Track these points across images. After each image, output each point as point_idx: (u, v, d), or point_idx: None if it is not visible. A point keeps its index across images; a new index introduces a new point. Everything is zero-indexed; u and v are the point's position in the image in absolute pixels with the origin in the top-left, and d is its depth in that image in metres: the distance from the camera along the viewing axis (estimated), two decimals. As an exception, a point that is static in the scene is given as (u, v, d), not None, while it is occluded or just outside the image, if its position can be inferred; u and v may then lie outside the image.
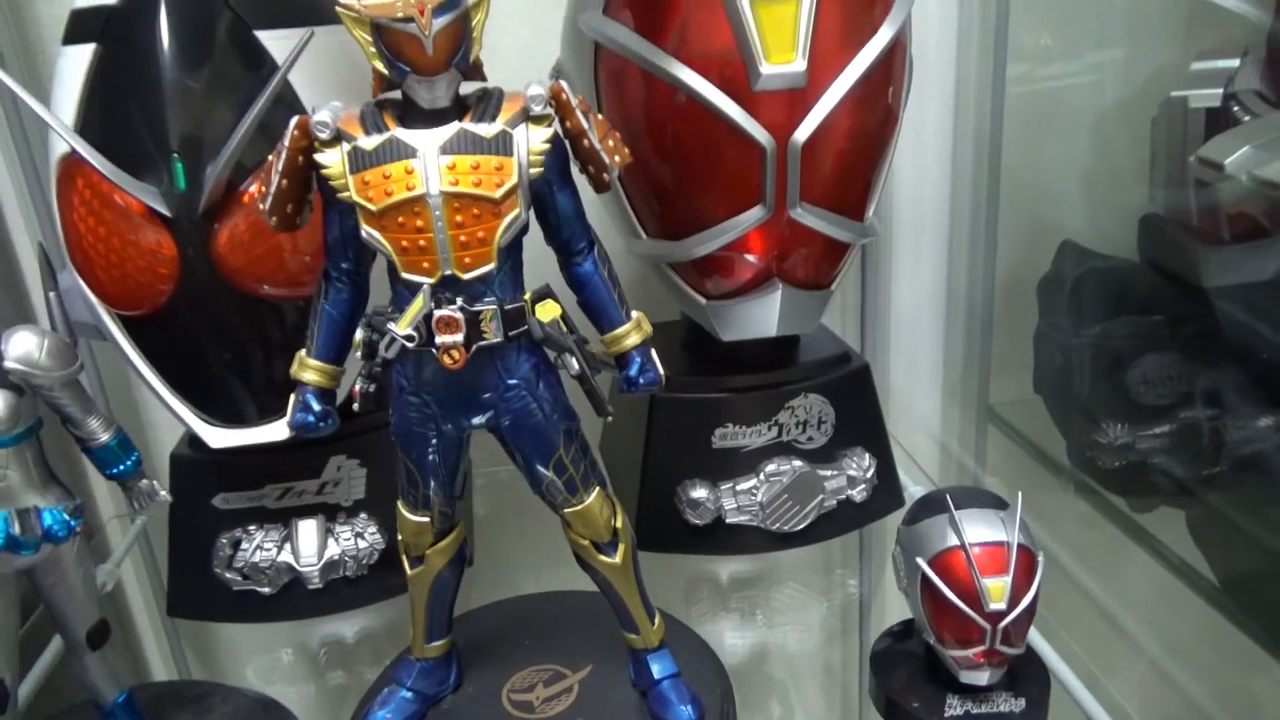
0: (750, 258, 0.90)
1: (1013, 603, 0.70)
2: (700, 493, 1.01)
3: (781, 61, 0.79)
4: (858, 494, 1.05)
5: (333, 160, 0.60)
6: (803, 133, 0.82)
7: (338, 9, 0.57)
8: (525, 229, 0.62)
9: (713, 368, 1.04)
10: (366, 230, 0.60)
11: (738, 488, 1.01)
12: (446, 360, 0.61)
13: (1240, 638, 0.90)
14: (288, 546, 0.97)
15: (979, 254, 1.31)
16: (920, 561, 0.73)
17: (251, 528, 0.97)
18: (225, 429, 0.90)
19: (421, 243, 0.59)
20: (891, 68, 0.87)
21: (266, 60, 0.82)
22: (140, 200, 0.79)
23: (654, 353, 0.69)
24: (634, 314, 0.68)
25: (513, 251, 0.63)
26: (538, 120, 0.61)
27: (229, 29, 0.82)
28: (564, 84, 0.61)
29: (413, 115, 0.60)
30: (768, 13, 0.78)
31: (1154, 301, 1.07)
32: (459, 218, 0.59)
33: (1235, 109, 0.97)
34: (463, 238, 0.59)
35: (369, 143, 0.59)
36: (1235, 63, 1.00)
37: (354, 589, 0.98)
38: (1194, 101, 1.02)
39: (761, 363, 1.03)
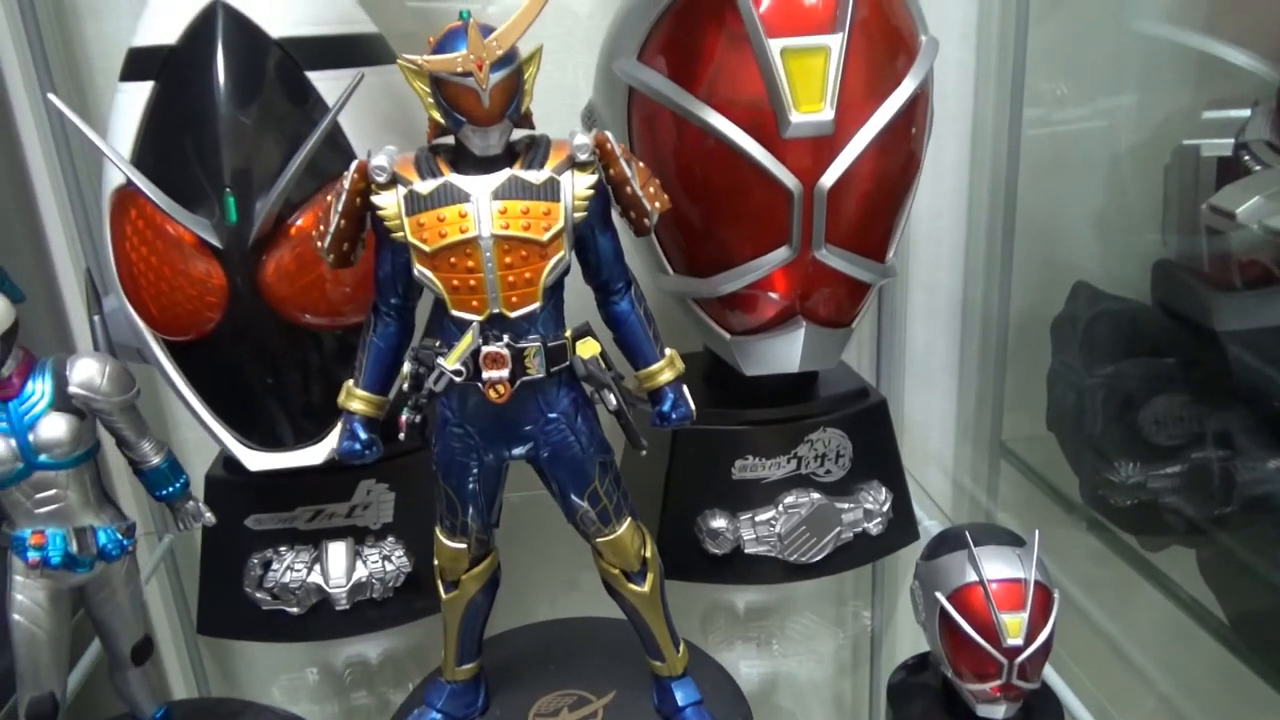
0: (775, 296, 0.93)
1: (1029, 638, 0.72)
2: (720, 523, 1.03)
3: (810, 111, 0.82)
4: (874, 527, 1.07)
5: (389, 202, 0.63)
6: (829, 178, 0.85)
7: (399, 63, 0.61)
8: (568, 269, 0.66)
9: (733, 401, 1.07)
10: (419, 269, 0.63)
11: (756, 519, 1.04)
12: (492, 394, 0.63)
13: (1249, 675, 0.92)
14: (317, 568, 0.99)
15: (994, 293, 1.34)
16: (939, 596, 0.75)
17: (283, 549, 1.00)
18: (264, 453, 0.93)
19: (472, 282, 0.62)
20: (914, 116, 0.90)
21: (311, 97, 0.86)
22: (193, 231, 0.83)
23: (686, 389, 0.72)
24: (667, 351, 0.71)
25: (555, 291, 0.66)
26: (583, 167, 0.64)
27: (279, 67, 0.86)
28: (609, 134, 0.64)
29: (465, 161, 0.63)
30: (798, 64, 0.82)
31: (1166, 344, 1.09)
32: (508, 259, 0.62)
33: (1246, 158, 1.00)
34: (510, 278, 0.62)
35: (424, 187, 0.62)
36: (1246, 112, 1.03)
37: (380, 611, 1.01)
38: (1206, 150, 1.05)
39: (781, 397, 1.06)
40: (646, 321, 0.70)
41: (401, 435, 0.66)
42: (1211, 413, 1.05)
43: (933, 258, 1.36)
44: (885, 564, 1.12)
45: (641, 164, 0.67)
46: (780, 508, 1.04)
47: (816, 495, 1.04)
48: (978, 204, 1.33)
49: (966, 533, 0.77)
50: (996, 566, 0.74)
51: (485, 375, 0.63)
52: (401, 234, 0.63)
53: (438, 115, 0.62)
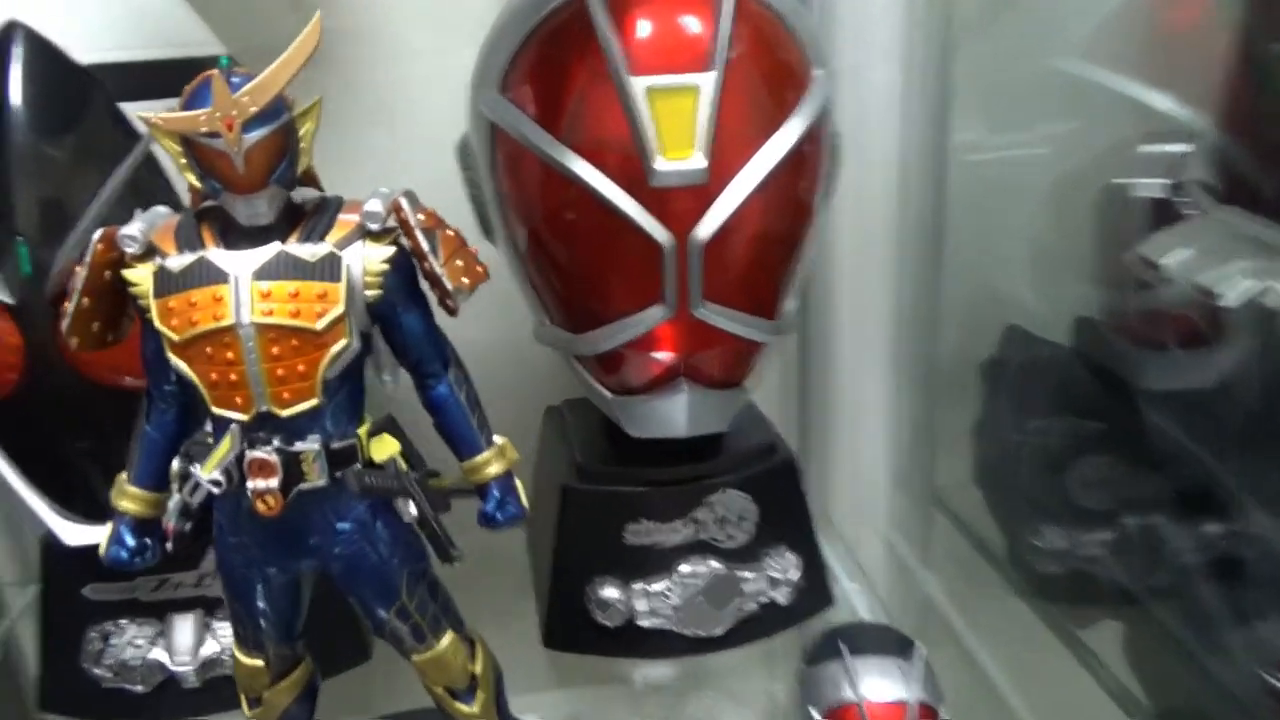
0: (655, 355, 0.84)
1: (908, 768, 0.64)
2: (611, 592, 0.95)
3: (678, 157, 0.74)
4: (781, 596, 0.98)
5: (142, 278, 0.54)
6: (704, 230, 0.76)
7: (138, 118, 0.52)
8: (360, 356, 0.56)
9: (630, 456, 0.98)
10: (173, 359, 0.54)
11: (650, 588, 0.95)
12: (261, 506, 0.54)
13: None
14: (161, 642, 0.91)
15: (924, 331, 1.25)
16: (814, 713, 0.67)
17: (124, 621, 0.91)
18: (85, 525, 0.84)
19: (233, 376, 0.53)
20: (805, 160, 0.81)
21: (124, 132, 0.77)
22: (-21, 286, 0.74)
23: (518, 483, 0.63)
24: (497, 440, 0.62)
25: (347, 380, 0.57)
26: (378, 237, 0.55)
27: (86, 97, 0.77)
28: (404, 201, 0.55)
29: (234, 231, 0.54)
30: (665, 104, 0.73)
31: (1094, 400, 1.01)
32: (275, 350, 0.53)
33: (1180, 201, 0.92)
34: (280, 371, 0.53)
35: (177, 263, 0.53)
36: (1185, 147, 0.95)
37: (234, 689, 0.92)
38: (1137, 189, 0.97)
39: (681, 453, 0.97)
40: (470, 407, 0.61)
41: (168, 545, 0.57)
42: (1139, 476, 0.96)
43: (861, 292, 1.28)
44: (799, 632, 1.03)
45: (451, 231, 0.58)
46: (675, 577, 0.95)
47: (715, 564, 0.95)
48: (906, 235, 1.25)
49: (844, 642, 0.68)
50: (877, 684, 0.67)
51: (250, 485, 0.54)
52: (151, 318, 0.54)
53: (193, 179, 0.53)
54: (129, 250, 0.54)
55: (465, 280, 0.58)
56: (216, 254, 0.53)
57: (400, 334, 0.58)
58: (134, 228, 0.54)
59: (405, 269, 0.57)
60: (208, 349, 0.53)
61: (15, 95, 0.75)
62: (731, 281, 0.80)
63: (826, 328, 1.26)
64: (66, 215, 0.76)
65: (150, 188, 0.77)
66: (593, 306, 0.82)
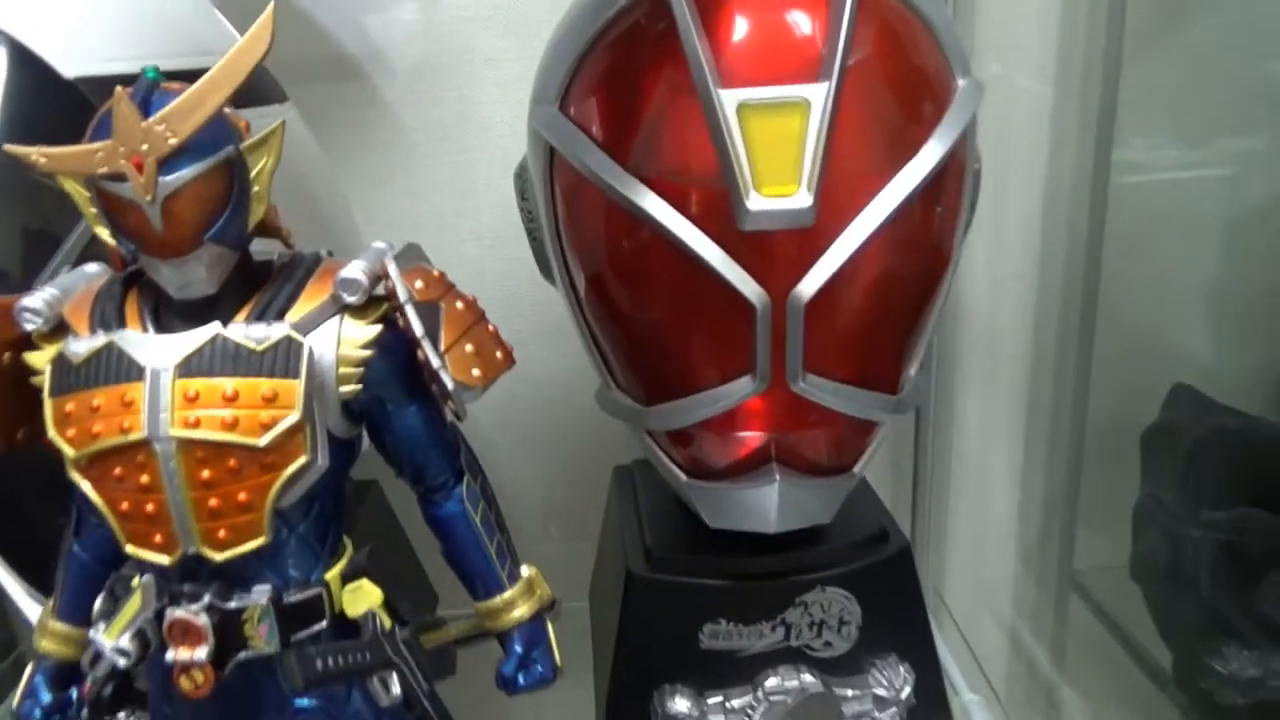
0: (740, 435, 0.67)
1: None
2: (681, 705, 0.79)
3: (778, 193, 0.57)
4: (888, 717, 0.81)
5: (44, 362, 0.41)
6: (808, 287, 0.60)
7: (28, 163, 0.38)
8: (333, 475, 0.42)
9: (708, 541, 0.82)
10: (74, 479, 0.40)
11: (729, 704, 0.80)
12: (185, 685, 0.40)
13: None
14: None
15: (1067, 386, 1.06)
16: None
17: None
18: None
19: (149, 507, 0.39)
20: (943, 193, 0.63)
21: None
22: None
23: (550, 631, 0.48)
24: (524, 571, 0.47)
25: (317, 503, 0.42)
26: (361, 312, 0.41)
27: (76, 115, 0.65)
28: (392, 265, 0.40)
29: (168, 305, 0.40)
30: (762, 124, 0.56)
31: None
32: (205, 473, 0.39)
33: None
34: (213, 502, 0.39)
35: (82, 349, 0.39)
36: None
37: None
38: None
39: (771, 540, 0.80)
40: (487, 532, 0.46)
41: (84, 713, 0.44)
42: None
43: (991, 339, 1.08)
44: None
45: (463, 302, 0.43)
46: (760, 692, 0.80)
47: (809, 677, 0.80)
48: (1050, 274, 1.05)
49: None
50: None
51: (171, 655, 0.40)
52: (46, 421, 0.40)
53: (106, 235, 0.39)
54: (29, 327, 0.41)
55: (476, 372, 0.43)
56: (132, 339, 0.39)
57: (392, 438, 0.44)
58: (39, 297, 0.41)
59: (397, 353, 0.43)
60: (116, 470, 0.39)
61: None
62: (840, 350, 0.64)
63: (946, 383, 1.08)
64: (53, 248, 0.64)
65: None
66: (666, 375, 0.67)
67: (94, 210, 0.39)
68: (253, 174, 0.40)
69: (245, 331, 0.40)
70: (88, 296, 0.42)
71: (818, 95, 0.56)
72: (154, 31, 0.73)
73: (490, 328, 0.45)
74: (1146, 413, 1.00)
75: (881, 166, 0.60)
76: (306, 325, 0.41)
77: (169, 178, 0.38)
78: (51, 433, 0.40)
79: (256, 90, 0.75)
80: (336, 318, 0.42)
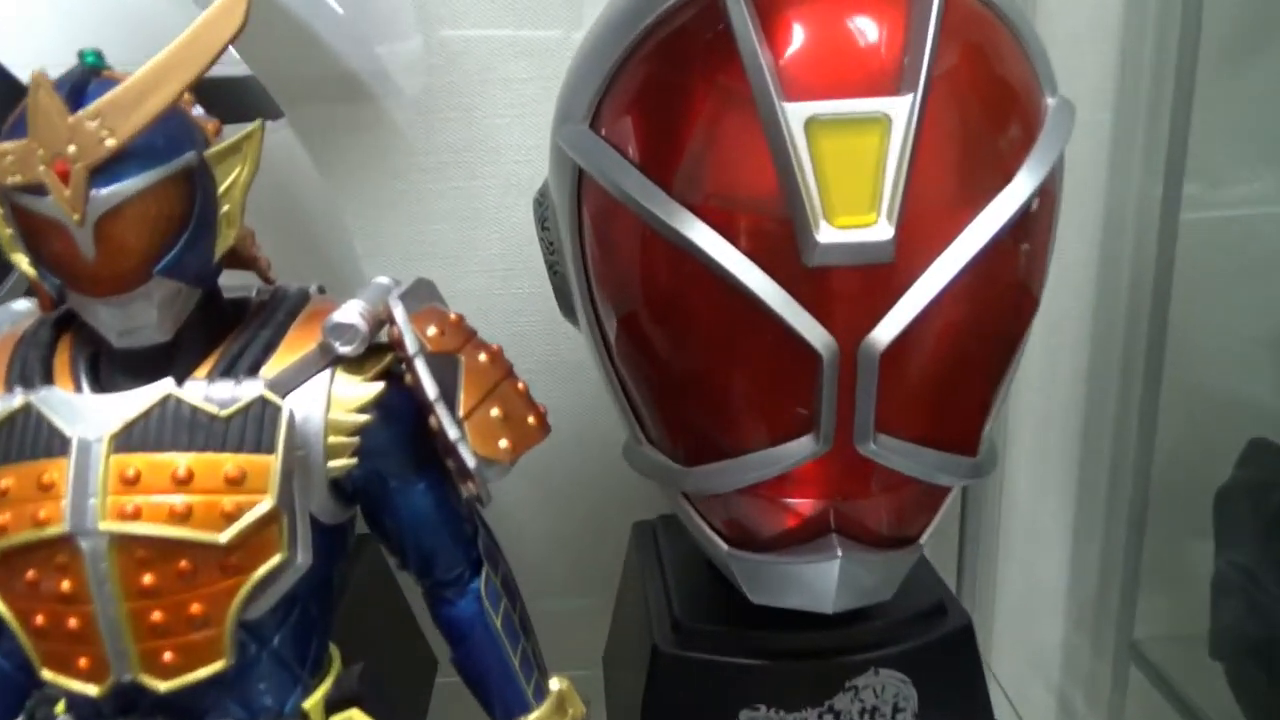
0: (795, 503, 0.59)
1: None
2: (713, 802, 0.69)
3: (853, 224, 0.48)
4: (944, 813, 0.71)
5: None
6: (883, 334, 0.51)
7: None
8: (324, 569, 0.33)
9: (745, 612, 0.73)
10: None
11: (769, 802, 0.70)
12: None
13: None
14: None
15: (1129, 438, 0.97)
16: None
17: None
18: None
19: (72, 622, 0.30)
20: (1033, 230, 0.55)
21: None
22: None
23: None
24: (554, 684, 0.38)
25: (290, 611, 0.33)
26: (357, 365, 0.32)
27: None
28: (399, 307, 0.31)
29: (112, 354, 0.32)
30: (834, 145, 0.48)
31: None
32: (147, 578, 0.30)
33: None
34: (156, 615, 0.30)
35: None
36: None
37: None
38: None
39: (816, 613, 0.71)
40: (509, 636, 0.37)
41: None
42: None
43: (1044, 385, 1.00)
44: None
45: (486, 354, 0.35)
46: (805, 790, 0.70)
47: (860, 773, 0.69)
48: (1109, 315, 0.97)
49: None
50: None
51: None
52: None
53: (24, 265, 0.30)
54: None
55: (504, 444, 0.34)
56: (58, 400, 0.31)
57: (394, 522, 0.35)
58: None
59: (402, 417, 0.34)
60: (27, 573, 0.30)
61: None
62: (917, 404, 0.55)
63: (999, 424, 0.98)
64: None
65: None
66: (711, 433, 0.58)
67: (8, 232, 0.31)
68: (221, 189, 0.32)
69: (206, 391, 0.32)
70: (8, 343, 0.33)
71: (899, 110, 0.48)
72: (137, 38, 0.65)
73: (520, 385, 0.36)
74: (1215, 469, 0.92)
75: (969, 195, 0.51)
76: (286, 383, 0.32)
77: (104, 191, 0.29)
78: None
79: (245, 103, 0.68)
80: (326, 373, 0.33)
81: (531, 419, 0.37)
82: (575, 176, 0.60)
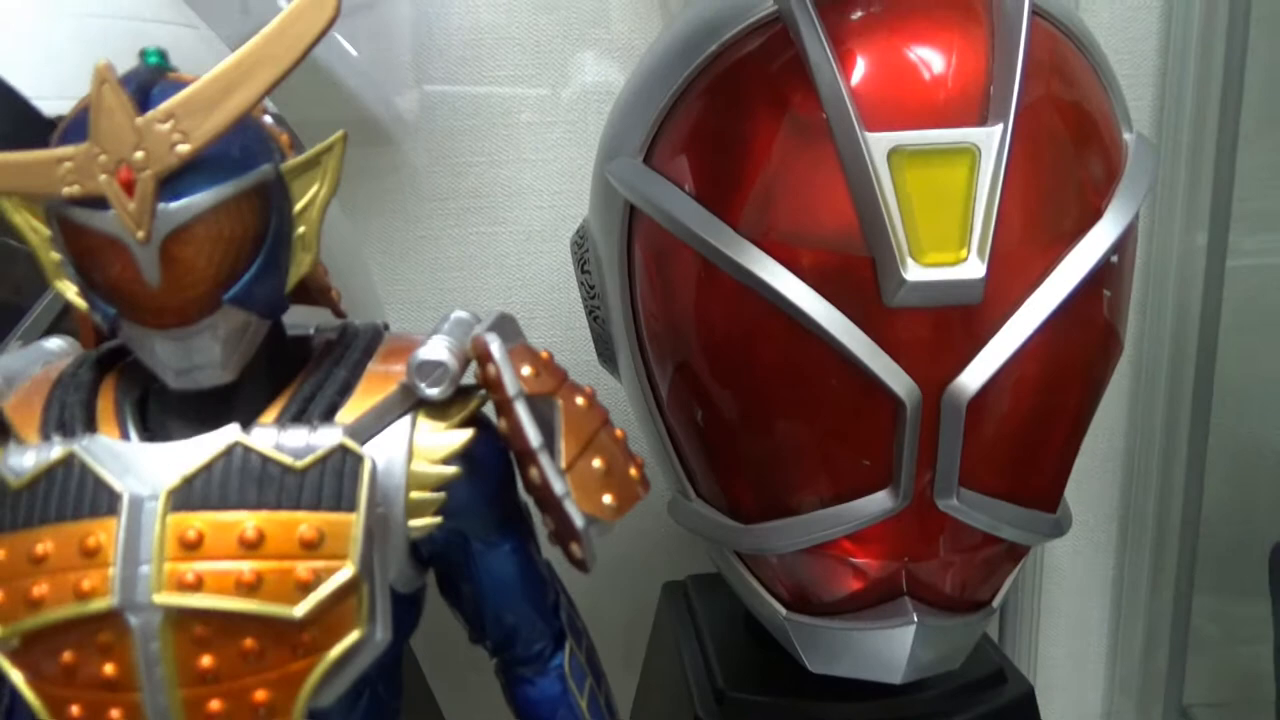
0: (863, 564, 0.54)
1: None
2: None
3: (942, 261, 0.45)
4: None
5: None
6: (971, 379, 0.47)
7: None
8: (397, 647, 0.28)
9: (792, 680, 0.68)
10: (1, 663, 0.26)
11: None
12: None
13: None
14: None
15: (1174, 494, 0.93)
16: None
17: None
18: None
19: (115, 714, 0.25)
20: (1120, 272, 0.52)
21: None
22: None
23: None
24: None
25: (358, 699, 0.28)
26: (441, 410, 0.28)
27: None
28: (493, 342, 0.28)
29: (164, 398, 0.28)
30: (920, 177, 0.45)
31: None
32: (206, 659, 0.25)
33: None
34: (215, 705, 0.26)
35: (24, 462, 0.26)
36: None
37: None
38: None
39: (869, 682, 0.66)
40: (596, 714, 0.32)
41: None
42: None
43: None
44: None
45: (583, 398, 0.31)
46: None
47: None
48: (1151, 366, 0.94)
49: None
50: None
51: None
52: None
53: (73, 295, 0.26)
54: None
55: (608, 500, 0.30)
56: (105, 449, 0.26)
57: (474, 589, 0.31)
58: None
59: (490, 470, 0.30)
60: (64, 655, 0.25)
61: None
62: (1002, 457, 0.51)
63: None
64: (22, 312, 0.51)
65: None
66: (773, 487, 0.54)
67: (55, 256, 0.27)
68: (297, 208, 0.28)
69: (278, 439, 0.27)
70: (42, 386, 0.29)
71: (988, 140, 0.45)
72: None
73: (617, 433, 0.32)
74: (1267, 523, 0.88)
75: (1056, 232, 0.48)
76: (364, 430, 0.28)
77: (173, 205, 0.25)
78: None
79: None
80: (406, 420, 0.29)
81: (633, 471, 0.33)
82: (626, 214, 0.56)
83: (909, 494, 0.50)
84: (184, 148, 0.25)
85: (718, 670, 0.72)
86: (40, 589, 0.26)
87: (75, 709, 0.26)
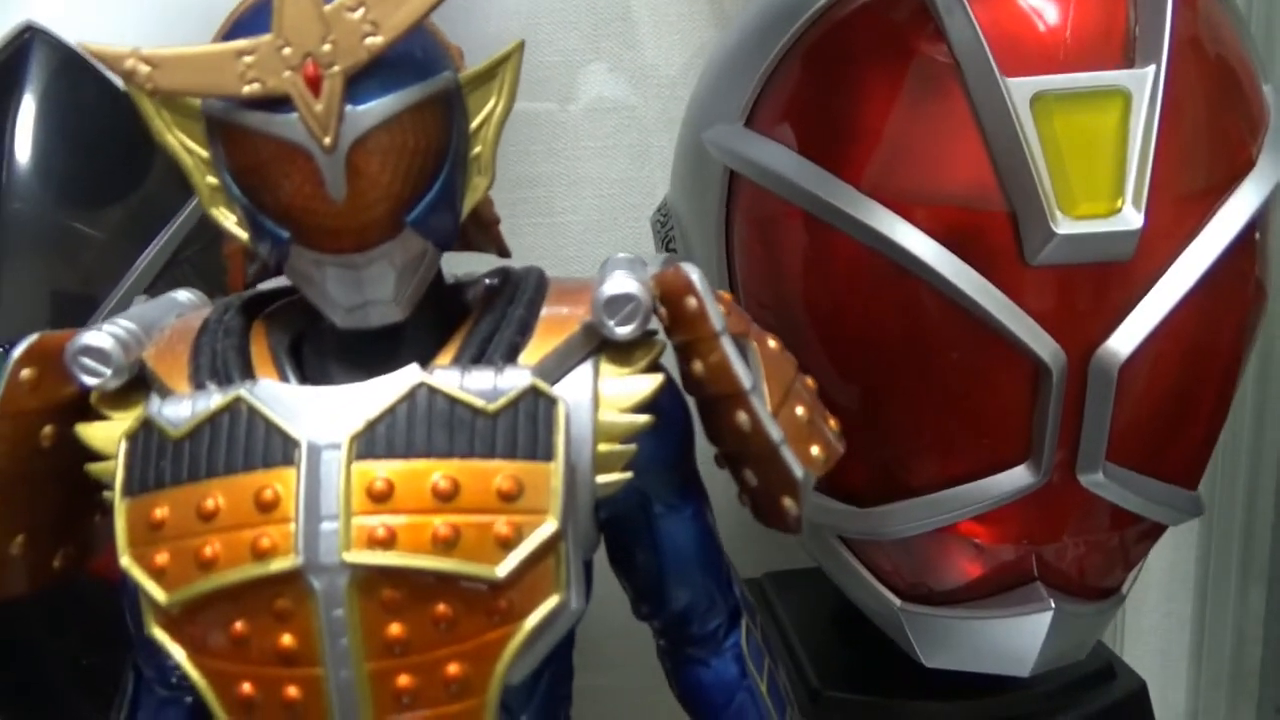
0: (991, 547, 0.51)
1: None
2: None
3: (1095, 212, 0.42)
4: None
5: (111, 440, 0.25)
6: (1122, 343, 0.44)
7: (121, 74, 0.23)
8: (571, 629, 0.25)
9: (887, 677, 0.65)
10: (159, 638, 0.23)
11: None
12: None
13: None
14: None
15: (1264, 478, 0.89)
16: None
17: None
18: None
19: (292, 691, 0.23)
20: (1270, 226, 0.49)
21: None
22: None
23: None
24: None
25: (538, 682, 0.25)
26: (625, 353, 0.25)
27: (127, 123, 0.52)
28: (692, 271, 0.24)
29: (324, 342, 0.25)
30: (1068, 124, 0.42)
31: None
32: (394, 628, 0.22)
33: None
34: (403, 679, 0.22)
35: (182, 411, 0.23)
36: None
37: None
38: None
39: (969, 678, 0.63)
40: (777, 707, 0.29)
41: None
42: None
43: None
44: None
45: (775, 342, 0.28)
46: None
47: None
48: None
49: None
50: None
51: None
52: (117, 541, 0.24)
53: (232, 225, 0.24)
54: (90, 382, 0.25)
55: (816, 452, 0.27)
56: (273, 393, 0.23)
57: (652, 559, 0.28)
58: (107, 333, 0.25)
59: (675, 422, 0.27)
60: (235, 624, 0.23)
61: (22, 121, 0.50)
62: (1151, 428, 0.48)
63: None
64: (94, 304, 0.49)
65: (214, 268, 0.51)
66: (896, 465, 0.50)
67: (212, 181, 0.24)
68: (473, 125, 0.25)
69: (463, 380, 0.24)
70: (183, 335, 0.26)
71: (1140, 83, 0.42)
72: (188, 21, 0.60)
73: (809, 382, 0.29)
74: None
75: (1211, 182, 0.45)
76: (549, 373, 0.25)
77: (360, 108, 0.22)
78: (124, 560, 0.24)
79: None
80: (588, 364, 0.25)
81: (832, 423, 0.29)
82: (725, 182, 0.53)
83: (1047, 469, 0.46)
84: (375, 40, 0.22)
85: (809, 669, 0.68)
86: (212, 548, 0.23)
87: (247, 686, 0.23)
